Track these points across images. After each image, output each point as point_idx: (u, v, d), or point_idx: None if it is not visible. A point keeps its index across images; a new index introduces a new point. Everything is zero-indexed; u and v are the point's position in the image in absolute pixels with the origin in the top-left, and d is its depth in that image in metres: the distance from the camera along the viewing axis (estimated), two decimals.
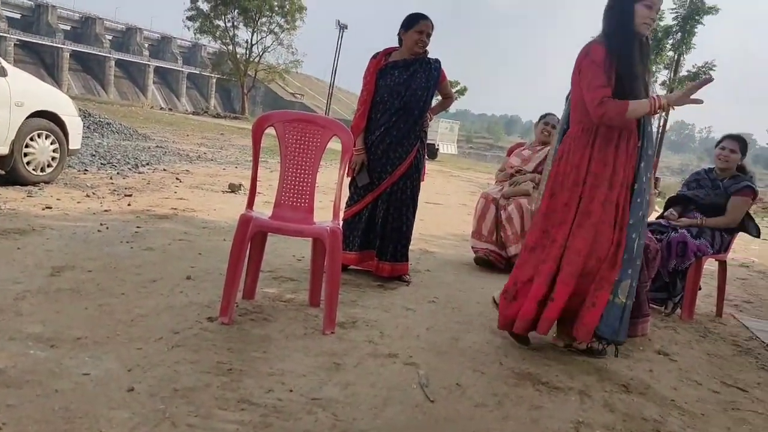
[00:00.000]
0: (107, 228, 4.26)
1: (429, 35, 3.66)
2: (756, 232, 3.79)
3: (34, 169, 5.69)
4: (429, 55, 3.75)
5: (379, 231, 3.74)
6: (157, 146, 12.24)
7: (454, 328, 3.06)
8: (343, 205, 3.52)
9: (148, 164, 8.73)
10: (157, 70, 78.71)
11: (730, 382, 2.75)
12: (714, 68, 19.50)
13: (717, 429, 2.28)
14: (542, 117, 4.89)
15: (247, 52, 51.71)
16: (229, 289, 2.68)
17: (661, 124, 20.49)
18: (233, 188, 7.12)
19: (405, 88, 3.67)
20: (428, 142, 3.85)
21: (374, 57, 3.78)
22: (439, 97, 3.99)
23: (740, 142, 3.82)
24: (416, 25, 3.64)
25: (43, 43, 66.87)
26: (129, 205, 5.35)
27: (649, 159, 2.71)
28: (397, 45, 3.76)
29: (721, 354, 3.12)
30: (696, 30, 19.19)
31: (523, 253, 2.87)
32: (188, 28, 51.41)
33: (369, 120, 3.76)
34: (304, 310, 3.03)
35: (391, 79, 3.69)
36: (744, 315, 4.03)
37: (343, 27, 43.25)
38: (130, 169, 7.98)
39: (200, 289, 3.13)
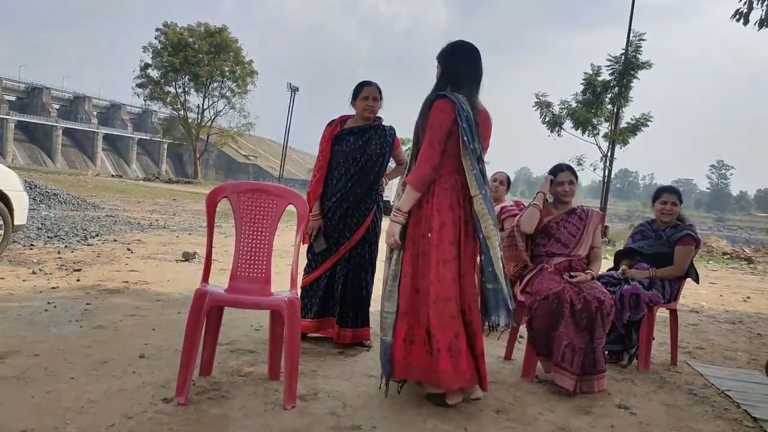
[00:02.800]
0: (55, 306, 4.11)
1: (376, 98, 3.74)
2: (695, 278, 3.94)
3: None
4: (383, 122, 3.83)
5: (338, 297, 3.71)
6: (107, 215, 11.99)
7: (418, 395, 3.03)
8: (301, 272, 3.50)
9: (97, 235, 8.53)
10: (106, 137, 78.04)
11: None
12: (651, 120, 20.37)
13: None
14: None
15: (199, 116, 51.74)
16: (185, 367, 2.60)
17: (606, 174, 21.12)
18: (187, 257, 6.98)
19: (360, 154, 3.72)
20: (384, 199, 3.89)
21: (329, 124, 3.83)
22: (394, 164, 4.04)
23: (677, 194, 4.01)
24: (361, 92, 3.74)
25: None
26: (78, 280, 5.18)
27: None
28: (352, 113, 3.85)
29: (678, 404, 3.17)
30: (632, 84, 20.17)
31: None
32: (138, 95, 51.27)
33: (325, 186, 3.78)
34: (264, 383, 2.96)
35: (346, 145, 3.74)
36: (697, 362, 4.12)
37: (294, 89, 43.92)
38: (78, 241, 7.76)
39: (154, 368, 3.03)
